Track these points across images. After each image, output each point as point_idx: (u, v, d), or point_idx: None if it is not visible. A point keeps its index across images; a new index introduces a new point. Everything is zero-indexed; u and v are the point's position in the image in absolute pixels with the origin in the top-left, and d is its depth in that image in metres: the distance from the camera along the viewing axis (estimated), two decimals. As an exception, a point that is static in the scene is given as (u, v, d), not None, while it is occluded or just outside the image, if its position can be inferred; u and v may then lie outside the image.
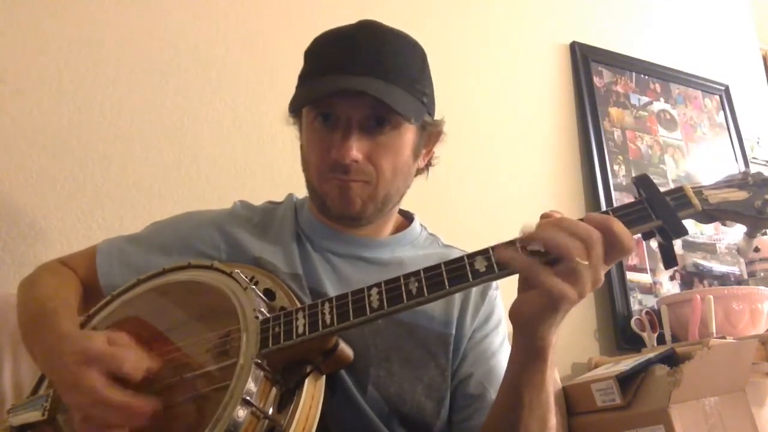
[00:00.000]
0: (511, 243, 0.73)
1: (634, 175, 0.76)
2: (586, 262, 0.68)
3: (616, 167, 2.24)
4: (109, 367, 0.74)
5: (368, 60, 0.91)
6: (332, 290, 0.94)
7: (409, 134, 0.95)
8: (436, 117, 1.02)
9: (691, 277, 2.22)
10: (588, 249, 0.68)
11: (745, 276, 2.26)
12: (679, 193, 0.75)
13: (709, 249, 2.30)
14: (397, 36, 0.96)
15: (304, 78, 0.96)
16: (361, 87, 0.88)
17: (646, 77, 2.48)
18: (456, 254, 1.07)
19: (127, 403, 0.73)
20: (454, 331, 0.96)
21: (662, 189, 0.75)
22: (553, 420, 0.84)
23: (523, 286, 0.73)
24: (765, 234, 0.77)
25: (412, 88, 0.93)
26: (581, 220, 0.72)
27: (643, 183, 0.75)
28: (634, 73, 2.45)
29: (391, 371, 0.91)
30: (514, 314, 0.74)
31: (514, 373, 0.81)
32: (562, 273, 0.69)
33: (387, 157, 0.93)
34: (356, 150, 0.90)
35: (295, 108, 0.93)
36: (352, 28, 0.95)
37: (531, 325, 0.73)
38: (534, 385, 0.79)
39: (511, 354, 0.80)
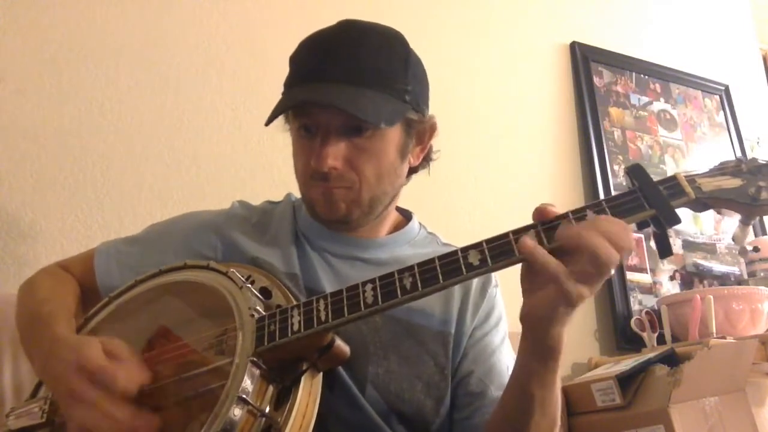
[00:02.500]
0: (532, 228, 0.73)
1: (632, 174, 0.78)
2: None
3: (616, 167, 2.24)
4: (102, 382, 0.74)
5: (342, 65, 0.90)
6: (330, 289, 0.94)
7: (392, 136, 0.94)
8: (435, 113, 1.01)
9: (691, 277, 2.22)
10: (621, 253, 0.69)
11: (745, 276, 2.25)
12: (672, 181, 0.75)
13: (709, 249, 2.30)
14: (376, 34, 0.94)
15: (285, 86, 0.96)
16: (328, 97, 0.88)
17: (646, 77, 2.48)
18: None
19: (135, 424, 0.73)
20: (453, 330, 0.96)
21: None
22: (559, 418, 0.84)
23: (535, 286, 0.72)
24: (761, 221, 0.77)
25: (391, 87, 0.91)
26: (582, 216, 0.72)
27: (635, 172, 0.75)
28: (634, 73, 2.45)
29: (389, 369, 0.91)
30: (527, 315, 0.74)
31: (525, 374, 0.80)
32: (579, 273, 0.69)
33: (368, 161, 0.92)
34: (332, 158, 0.90)
35: (268, 122, 0.92)
36: (330, 32, 0.94)
37: (545, 325, 0.73)
38: (546, 384, 0.79)
39: (521, 355, 0.80)
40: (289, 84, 0.96)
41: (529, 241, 0.71)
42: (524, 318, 0.75)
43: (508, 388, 0.86)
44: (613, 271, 0.70)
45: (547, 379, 0.78)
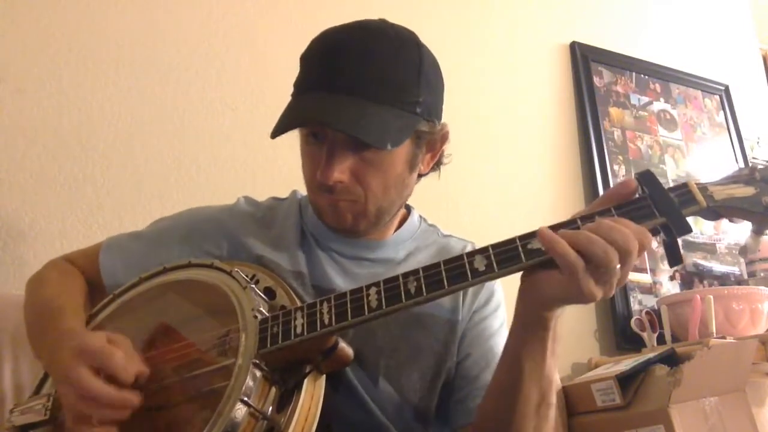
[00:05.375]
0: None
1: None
2: (619, 266, 0.68)
3: (616, 167, 2.24)
4: (99, 362, 0.75)
5: (351, 77, 0.87)
6: (340, 287, 0.94)
7: (400, 149, 0.91)
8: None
9: (691, 277, 2.22)
10: (625, 258, 0.68)
11: (745, 276, 2.25)
12: (683, 189, 0.73)
13: (709, 249, 2.30)
14: (389, 38, 0.90)
15: (295, 87, 0.94)
16: (334, 116, 0.85)
17: (646, 77, 2.48)
18: (455, 243, 1.06)
19: (110, 395, 0.74)
20: (460, 317, 0.97)
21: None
22: (554, 398, 0.84)
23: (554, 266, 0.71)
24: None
25: (401, 101, 0.88)
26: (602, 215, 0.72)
27: (646, 179, 0.74)
28: (634, 73, 2.45)
29: (401, 362, 0.91)
30: (531, 286, 0.73)
31: (515, 344, 0.80)
32: (596, 276, 0.68)
33: (375, 174, 0.90)
34: (338, 172, 0.88)
35: (273, 135, 0.89)
36: (341, 34, 0.91)
37: (544, 301, 0.74)
38: (535, 354, 0.79)
39: (513, 323, 0.80)
40: (298, 88, 0.93)
41: (548, 231, 0.70)
42: (525, 284, 0.74)
43: (500, 360, 0.86)
44: (620, 270, 0.69)
45: (536, 348, 0.78)
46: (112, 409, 0.74)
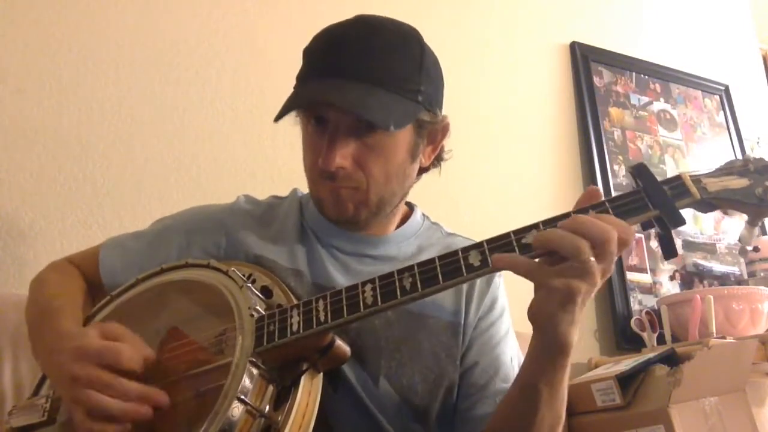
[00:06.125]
0: (534, 228, 0.72)
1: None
2: (593, 259, 0.68)
3: (616, 167, 2.24)
4: (106, 361, 0.74)
5: (354, 62, 0.88)
6: (341, 284, 0.94)
7: (402, 136, 0.92)
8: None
9: (691, 277, 2.22)
10: (601, 247, 0.68)
11: (745, 276, 2.26)
12: (677, 181, 0.73)
13: (709, 249, 2.30)
14: (391, 32, 0.92)
15: (298, 79, 0.95)
16: (338, 97, 0.86)
17: (646, 77, 2.48)
18: (460, 242, 1.06)
19: (146, 393, 0.74)
20: (462, 320, 0.97)
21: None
22: (564, 414, 0.84)
23: (536, 287, 0.72)
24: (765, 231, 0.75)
25: (402, 88, 0.89)
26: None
27: (640, 172, 0.74)
28: (634, 73, 2.45)
29: (402, 362, 0.91)
30: (533, 315, 0.73)
31: (534, 370, 0.80)
32: (569, 269, 0.68)
33: (377, 161, 0.91)
34: (340, 157, 0.88)
35: (277, 118, 0.90)
36: (344, 27, 0.92)
37: (551, 324, 0.73)
38: (554, 382, 0.79)
39: (531, 352, 0.79)
40: (302, 78, 0.94)
41: (500, 256, 0.71)
42: (530, 318, 0.74)
43: (515, 383, 0.86)
44: (593, 260, 0.68)
45: (555, 376, 0.78)
46: (140, 403, 0.74)
